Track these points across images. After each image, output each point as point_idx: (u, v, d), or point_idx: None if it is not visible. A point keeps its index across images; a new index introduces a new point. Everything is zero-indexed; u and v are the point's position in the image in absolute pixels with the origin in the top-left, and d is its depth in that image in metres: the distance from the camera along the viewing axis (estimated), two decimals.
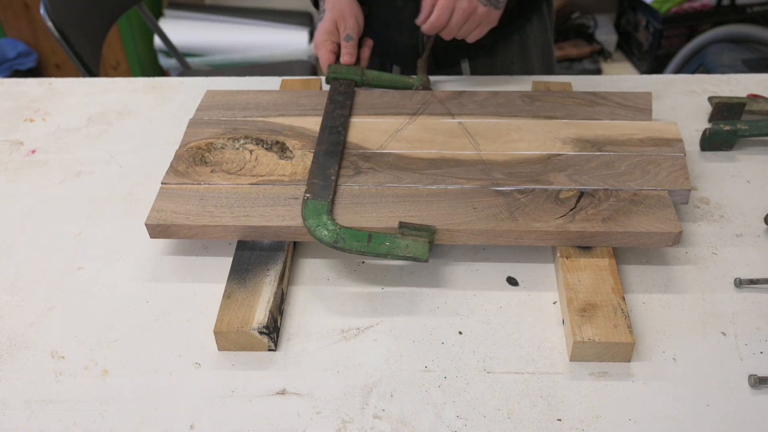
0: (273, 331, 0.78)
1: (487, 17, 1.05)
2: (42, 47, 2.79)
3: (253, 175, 0.92)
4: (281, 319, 0.82)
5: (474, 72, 1.29)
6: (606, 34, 2.77)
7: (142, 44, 2.80)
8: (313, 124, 1.00)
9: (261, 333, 0.77)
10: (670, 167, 0.91)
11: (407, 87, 1.11)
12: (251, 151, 0.96)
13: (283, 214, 0.86)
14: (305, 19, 2.86)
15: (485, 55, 1.27)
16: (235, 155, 0.95)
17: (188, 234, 0.86)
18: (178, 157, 0.95)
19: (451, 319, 0.81)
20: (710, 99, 1.10)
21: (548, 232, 0.83)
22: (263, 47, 2.79)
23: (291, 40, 2.79)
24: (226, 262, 0.88)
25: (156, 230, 0.86)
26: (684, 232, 0.91)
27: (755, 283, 0.83)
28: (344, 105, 1.03)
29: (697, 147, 1.06)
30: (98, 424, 0.72)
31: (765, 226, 0.92)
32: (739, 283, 0.83)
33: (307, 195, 0.86)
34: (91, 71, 1.61)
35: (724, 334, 0.79)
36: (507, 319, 0.81)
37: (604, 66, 2.71)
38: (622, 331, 0.75)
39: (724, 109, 1.09)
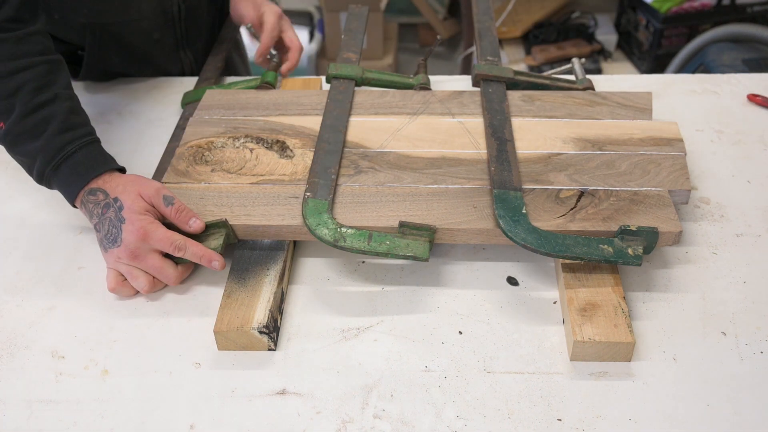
0: (273, 330, 0.78)
1: None
2: None
3: (254, 174, 0.92)
4: (281, 319, 0.82)
5: None
6: (606, 34, 2.77)
7: None
8: (313, 123, 1.00)
9: (261, 333, 0.77)
10: (671, 167, 0.91)
11: (407, 87, 1.11)
12: (251, 150, 0.96)
13: (283, 213, 0.86)
14: (305, 19, 2.86)
15: None
16: (236, 154, 0.95)
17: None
18: (178, 156, 0.95)
19: (451, 319, 0.81)
20: None
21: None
22: None
23: None
24: (226, 262, 0.87)
25: None
26: (684, 232, 0.91)
27: None
28: (344, 104, 1.03)
29: (698, 146, 1.06)
30: (98, 424, 0.72)
31: (765, 225, 0.92)
32: None
33: (308, 194, 0.86)
34: None
35: (724, 334, 0.78)
36: (507, 319, 0.81)
37: (604, 66, 2.70)
38: (623, 330, 0.75)
39: None
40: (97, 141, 0.89)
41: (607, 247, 0.80)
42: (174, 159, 0.95)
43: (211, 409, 0.73)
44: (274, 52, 1.22)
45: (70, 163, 0.85)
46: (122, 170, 0.89)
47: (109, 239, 0.83)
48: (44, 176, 0.86)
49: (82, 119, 0.90)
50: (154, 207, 0.85)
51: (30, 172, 0.88)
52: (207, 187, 0.90)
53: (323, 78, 1.19)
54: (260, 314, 0.78)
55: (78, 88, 1.25)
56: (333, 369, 0.76)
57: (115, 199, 0.84)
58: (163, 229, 0.83)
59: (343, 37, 1.19)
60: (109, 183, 0.86)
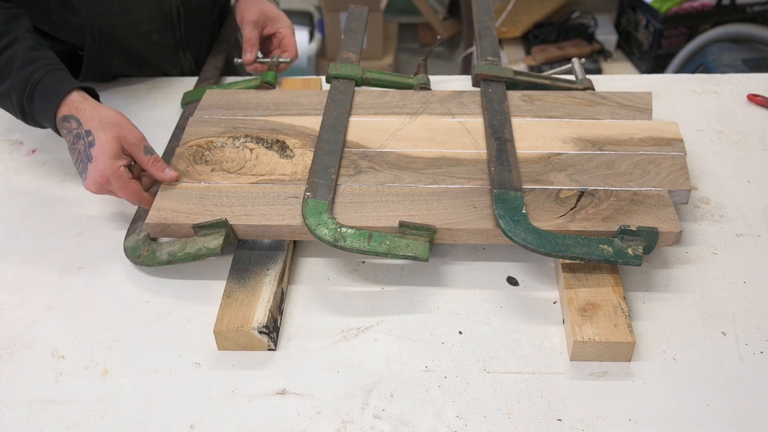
0: (273, 330, 0.78)
1: None
2: None
3: (254, 174, 0.92)
4: (281, 319, 0.82)
5: None
6: (606, 34, 2.77)
7: None
8: (313, 123, 1.00)
9: (261, 333, 0.77)
10: (671, 167, 0.91)
11: (407, 87, 1.11)
12: (251, 150, 0.96)
13: (283, 213, 0.86)
14: (305, 19, 2.86)
15: None
16: (236, 154, 0.95)
17: (188, 233, 0.86)
18: (178, 155, 0.95)
19: (451, 319, 0.81)
20: None
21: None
22: None
23: None
24: (226, 262, 0.87)
25: (156, 229, 0.86)
26: (684, 232, 0.91)
27: None
28: (344, 104, 1.03)
29: (698, 146, 1.06)
30: (98, 424, 0.72)
31: (765, 225, 0.92)
32: None
33: (308, 194, 0.86)
34: None
35: (724, 334, 0.78)
36: (507, 319, 0.81)
37: (604, 66, 2.70)
38: (623, 330, 0.75)
39: None
40: (63, 68, 0.91)
41: (607, 247, 0.80)
42: (174, 159, 0.95)
43: (211, 409, 0.73)
44: (267, 59, 1.21)
45: (39, 91, 0.88)
46: (92, 91, 0.90)
47: (78, 169, 0.87)
48: (26, 112, 0.89)
49: (45, 53, 0.92)
50: (130, 155, 0.86)
51: (16, 114, 0.91)
52: (207, 187, 0.90)
53: (323, 78, 1.19)
54: (260, 314, 0.78)
55: None
56: (333, 369, 0.76)
57: (87, 132, 0.84)
58: (125, 181, 0.85)
59: (343, 37, 1.19)
60: (84, 112, 0.86)
